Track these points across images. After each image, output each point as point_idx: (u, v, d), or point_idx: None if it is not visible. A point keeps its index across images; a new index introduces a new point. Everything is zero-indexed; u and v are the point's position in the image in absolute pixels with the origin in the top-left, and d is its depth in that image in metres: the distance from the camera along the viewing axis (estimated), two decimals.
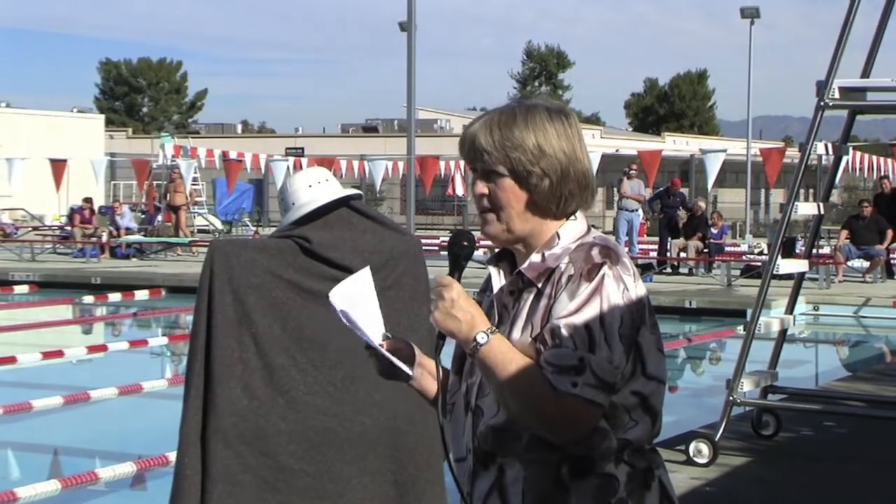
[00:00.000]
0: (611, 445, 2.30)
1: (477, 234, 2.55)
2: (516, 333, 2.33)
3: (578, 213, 2.44)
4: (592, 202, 2.45)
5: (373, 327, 2.55)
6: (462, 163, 29.65)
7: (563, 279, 2.30)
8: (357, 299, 2.57)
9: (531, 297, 2.35)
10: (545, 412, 2.23)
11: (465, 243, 2.41)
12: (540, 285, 2.34)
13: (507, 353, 2.28)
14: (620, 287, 2.28)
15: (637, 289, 2.32)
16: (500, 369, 2.26)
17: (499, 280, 2.44)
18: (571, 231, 2.39)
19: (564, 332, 2.25)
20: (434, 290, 2.35)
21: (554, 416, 2.23)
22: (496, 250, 2.50)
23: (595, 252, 2.31)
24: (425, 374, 2.58)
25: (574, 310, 2.26)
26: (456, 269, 2.39)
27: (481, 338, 2.28)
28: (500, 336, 2.30)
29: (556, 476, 2.30)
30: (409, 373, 2.55)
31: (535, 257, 2.37)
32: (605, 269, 2.28)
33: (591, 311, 2.25)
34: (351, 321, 2.52)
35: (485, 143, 2.38)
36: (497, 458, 2.35)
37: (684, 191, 24.89)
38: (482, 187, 2.40)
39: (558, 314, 2.27)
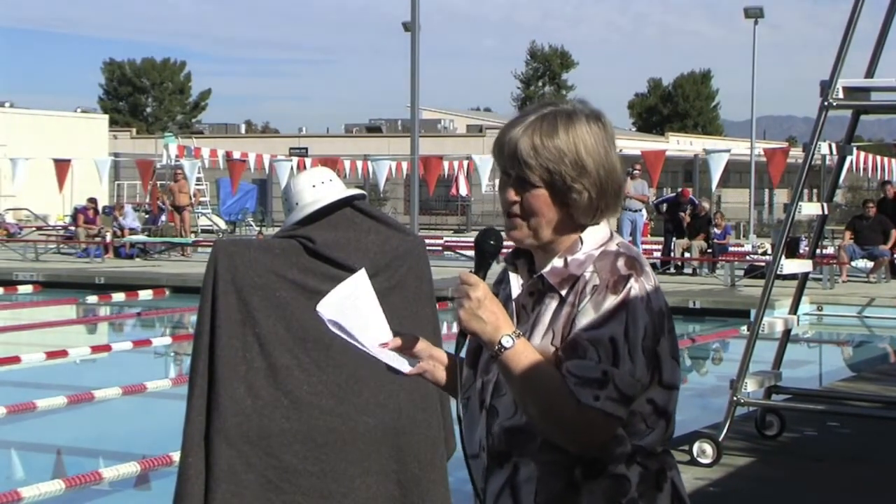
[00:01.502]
0: (625, 451, 2.30)
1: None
2: (536, 338, 2.31)
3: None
4: (618, 212, 2.43)
5: (373, 328, 2.54)
6: (465, 163, 29.70)
7: (588, 289, 2.27)
8: (350, 304, 2.56)
9: (554, 303, 2.32)
10: (565, 421, 2.23)
11: (493, 241, 2.38)
12: (563, 292, 2.31)
13: (532, 359, 2.26)
14: (645, 299, 2.27)
15: (658, 299, 2.30)
16: (524, 374, 2.25)
17: (517, 280, 2.41)
18: (594, 236, 2.36)
19: (589, 344, 2.23)
20: (459, 289, 2.32)
21: (573, 426, 2.23)
22: (513, 247, 2.47)
23: (621, 262, 2.29)
24: (438, 367, 2.56)
25: (600, 322, 2.24)
26: (482, 268, 2.37)
27: (507, 341, 2.26)
28: (525, 340, 2.28)
29: (569, 477, 2.29)
30: (404, 370, 2.53)
31: (558, 262, 2.35)
32: (632, 281, 2.26)
33: (616, 325, 2.23)
34: (343, 329, 2.52)
35: (525, 154, 2.33)
36: (512, 457, 2.34)
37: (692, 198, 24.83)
38: (514, 195, 2.36)
39: (583, 325, 2.25)
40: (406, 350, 2.54)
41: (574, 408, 2.21)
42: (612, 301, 2.25)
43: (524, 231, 2.36)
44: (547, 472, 2.31)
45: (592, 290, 2.27)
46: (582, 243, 2.35)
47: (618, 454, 2.29)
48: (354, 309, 2.55)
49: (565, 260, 2.34)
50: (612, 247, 2.34)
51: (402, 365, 2.55)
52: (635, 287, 2.26)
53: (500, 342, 2.26)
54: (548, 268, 2.35)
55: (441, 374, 2.57)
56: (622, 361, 2.22)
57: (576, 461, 2.29)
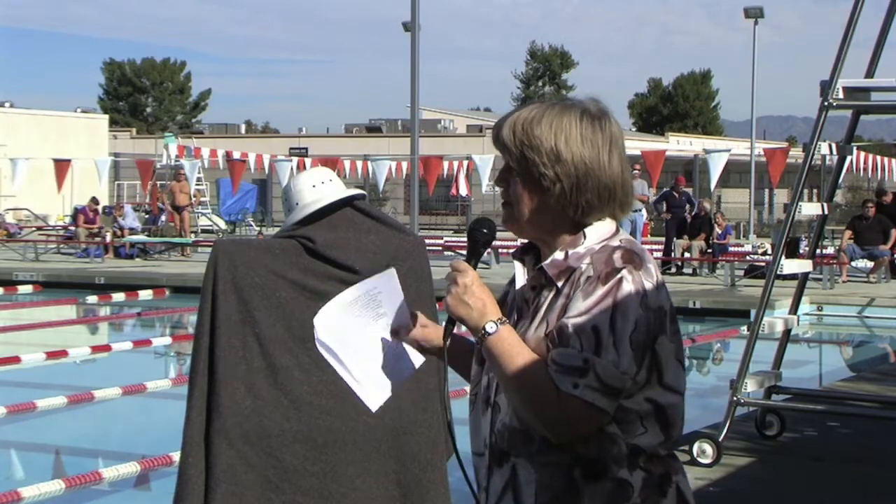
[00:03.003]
0: (621, 451, 2.28)
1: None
2: (532, 329, 2.31)
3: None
4: (624, 213, 2.39)
5: (395, 318, 2.60)
6: (465, 163, 29.71)
7: (582, 280, 2.27)
8: (366, 301, 2.59)
9: (551, 294, 2.33)
10: (544, 409, 2.22)
11: (485, 230, 2.41)
12: (560, 284, 2.31)
13: (515, 346, 2.27)
14: (639, 293, 2.25)
15: (658, 296, 2.28)
16: (506, 361, 2.26)
17: (522, 273, 2.42)
18: (598, 231, 2.36)
19: (571, 331, 2.23)
20: (448, 275, 2.34)
21: (553, 414, 2.22)
22: (522, 242, 2.48)
23: (617, 255, 2.28)
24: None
25: (584, 310, 2.23)
26: (473, 256, 2.39)
27: (490, 327, 2.28)
28: (510, 328, 2.30)
29: (569, 479, 2.28)
30: (371, 407, 2.65)
31: (559, 254, 2.35)
32: (624, 272, 2.25)
33: (601, 314, 2.22)
34: (330, 351, 2.58)
35: (505, 139, 2.36)
36: (510, 457, 2.34)
37: (687, 190, 24.85)
38: (501, 180, 2.40)
39: (569, 314, 2.25)
40: (424, 340, 2.60)
41: (554, 395, 2.20)
42: (599, 291, 2.24)
43: (513, 223, 2.39)
44: (545, 475, 2.30)
45: (586, 280, 2.26)
46: (585, 238, 2.34)
47: (614, 454, 2.27)
48: (372, 303, 2.59)
49: (566, 253, 2.34)
50: (615, 242, 2.33)
51: (377, 392, 2.61)
52: (628, 279, 2.24)
53: (483, 328, 2.28)
54: (548, 260, 2.35)
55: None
56: (605, 351, 2.20)
57: (574, 462, 2.28)
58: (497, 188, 2.46)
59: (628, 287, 2.24)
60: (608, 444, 2.27)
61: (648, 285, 2.27)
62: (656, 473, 2.31)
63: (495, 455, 2.37)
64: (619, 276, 2.24)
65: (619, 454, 2.28)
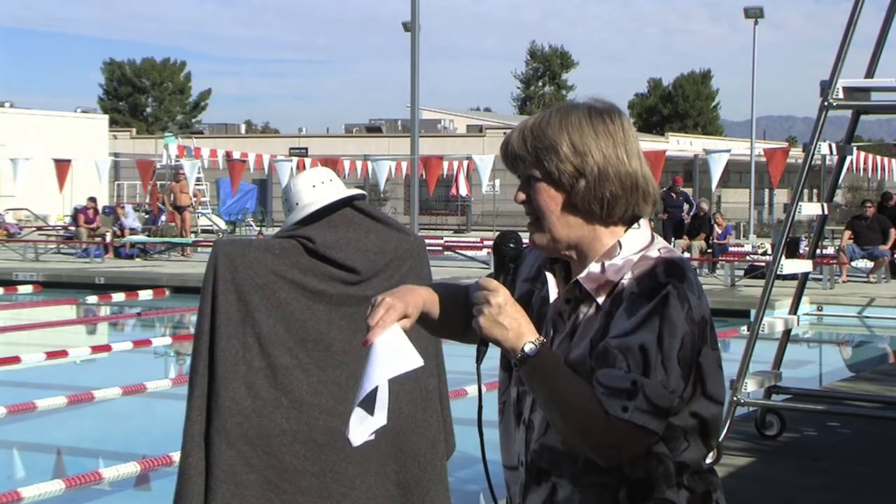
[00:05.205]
0: (668, 469, 2.21)
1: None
2: (571, 347, 2.23)
3: (642, 222, 2.28)
4: (651, 208, 2.29)
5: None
6: (465, 163, 29.72)
7: (625, 296, 2.18)
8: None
9: (590, 310, 2.23)
10: (592, 433, 2.13)
11: (512, 244, 2.28)
12: (600, 300, 2.21)
13: (557, 368, 2.17)
14: (685, 307, 2.15)
15: (701, 307, 2.18)
16: (548, 383, 2.16)
17: (555, 286, 2.31)
18: (634, 241, 2.25)
19: (618, 352, 2.13)
20: (478, 295, 2.20)
21: (601, 438, 2.13)
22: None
23: (660, 269, 2.18)
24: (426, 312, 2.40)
25: (630, 329, 2.14)
26: (502, 272, 2.26)
27: (529, 348, 2.15)
28: (548, 347, 2.19)
29: (614, 500, 2.21)
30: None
31: (595, 267, 2.24)
32: (670, 288, 2.15)
33: (647, 333, 2.13)
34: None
35: (518, 148, 2.27)
36: (551, 476, 2.26)
37: (687, 190, 24.90)
38: (521, 194, 2.29)
39: (613, 333, 2.15)
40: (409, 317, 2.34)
41: (602, 419, 2.11)
42: (645, 308, 2.14)
43: (541, 235, 2.28)
44: (589, 495, 2.22)
45: (629, 296, 2.17)
46: (621, 248, 2.24)
47: (661, 474, 2.21)
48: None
49: (602, 265, 2.23)
50: (654, 252, 2.23)
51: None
52: (673, 294, 2.14)
53: (522, 350, 2.16)
54: (584, 273, 2.24)
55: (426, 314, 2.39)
56: (653, 371, 2.11)
57: (620, 483, 2.20)
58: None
59: (674, 303, 2.14)
60: (655, 464, 2.20)
61: (693, 298, 2.17)
62: (699, 492, 2.25)
63: (533, 474, 2.29)
64: (664, 291, 2.15)
65: (667, 473, 2.21)
